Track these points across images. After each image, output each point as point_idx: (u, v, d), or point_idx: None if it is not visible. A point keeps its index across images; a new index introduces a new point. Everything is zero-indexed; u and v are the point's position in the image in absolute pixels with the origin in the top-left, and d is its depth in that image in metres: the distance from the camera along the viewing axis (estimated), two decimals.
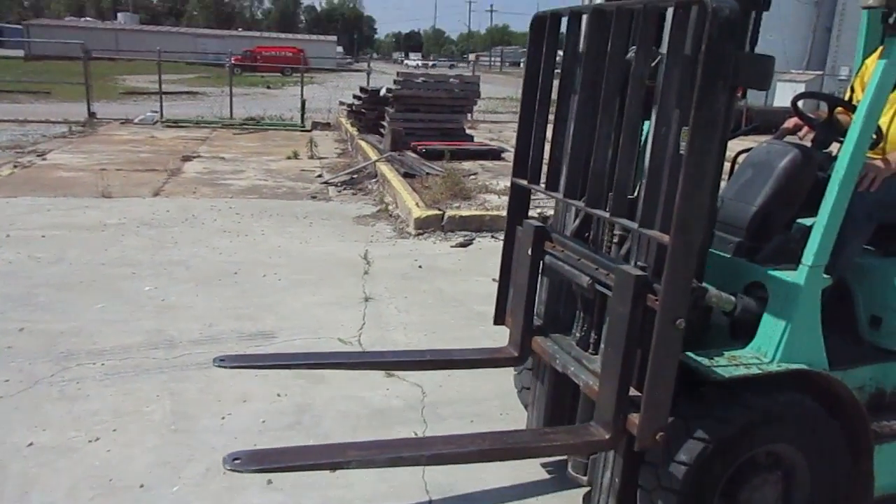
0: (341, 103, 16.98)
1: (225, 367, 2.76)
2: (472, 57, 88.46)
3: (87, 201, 7.69)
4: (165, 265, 5.62)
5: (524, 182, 2.67)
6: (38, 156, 10.59)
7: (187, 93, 24.72)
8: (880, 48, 2.22)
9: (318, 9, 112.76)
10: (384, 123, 12.04)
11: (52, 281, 5.12)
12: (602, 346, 2.34)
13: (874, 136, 2.38)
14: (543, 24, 2.52)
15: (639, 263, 2.22)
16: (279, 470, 2.28)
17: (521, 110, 2.64)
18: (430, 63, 78.82)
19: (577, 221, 2.61)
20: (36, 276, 5.23)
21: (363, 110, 13.66)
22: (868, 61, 2.89)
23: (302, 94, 17.10)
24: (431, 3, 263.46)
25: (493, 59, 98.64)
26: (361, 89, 14.52)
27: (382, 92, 13.10)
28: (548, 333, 2.72)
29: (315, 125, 16.26)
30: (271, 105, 19.87)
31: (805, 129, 2.85)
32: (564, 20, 2.47)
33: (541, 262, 2.64)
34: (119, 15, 79.66)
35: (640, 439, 2.05)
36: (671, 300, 1.92)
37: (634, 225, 2.10)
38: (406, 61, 79.66)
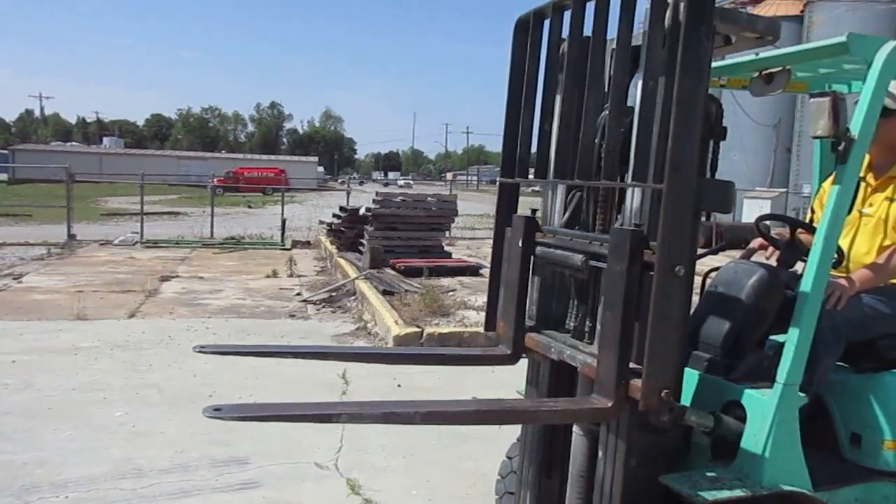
0: (321, 222, 17.28)
1: (206, 353, 2.68)
2: (449, 176, 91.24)
3: (60, 324, 7.59)
4: (138, 389, 5.49)
5: (511, 179, 2.66)
6: (13, 279, 10.52)
7: (169, 213, 25.02)
8: (834, 172, 2.34)
9: (301, 131, 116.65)
10: (363, 241, 12.21)
11: (18, 409, 4.96)
12: (599, 314, 2.27)
13: (836, 256, 2.46)
14: (526, 25, 2.60)
15: (633, 223, 2.19)
16: (268, 419, 2.26)
17: (507, 111, 2.65)
18: (410, 181, 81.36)
19: (568, 213, 2.60)
20: (2, 403, 5.07)
21: (342, 229, 13.87)
22: (825, 184, 3.03)
23: (282, 213, 17.39)
24: (410, 125, 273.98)
25: (469, 177, 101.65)
26: (341, 208, 14.81)
27: (362, 211, 13.36)
28: (541, 330, 2.65)
29: (295, 243, 16.42)
30: (252, 224, 20.12)
31: (770, 249, 2.95)
32: (546, 22, 2.55)
33: (531, 256, 2.60)
34: (105, 139, 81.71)
35: (644, 398, 1.96)
36: (669, 246, 1.91)
37: (627, 185, 2.13)
38: (399, 181, 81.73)
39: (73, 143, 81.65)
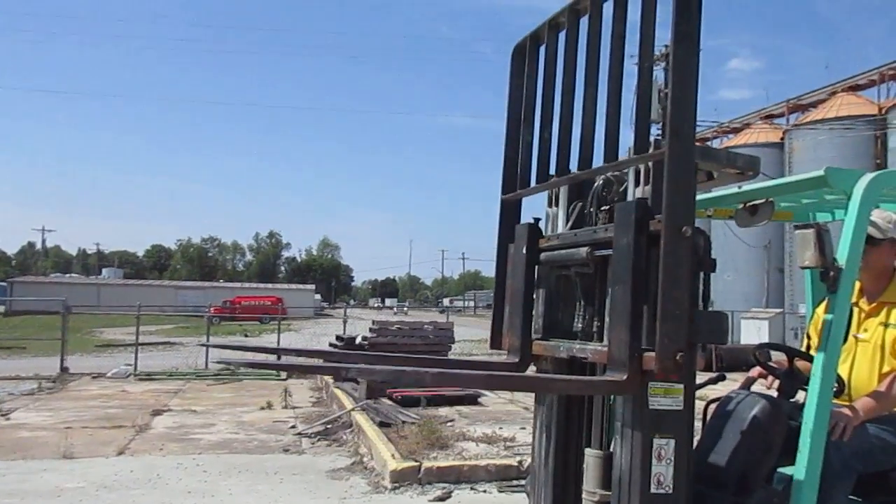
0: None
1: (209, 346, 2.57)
2: (446, 301, 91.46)
3: (45, 463, 7.32)
4: None
5: (513, 193, 2.74)
6: (1, 415, 10.27)
7: (164, 343, 24.82)
8: (826, 300, 2.36)
9: (299, 259, 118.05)
10: None
11: None
12: (608, 303, 2.27)
13: (836, 386, 2.43)
14: (523, 51, 2.74)
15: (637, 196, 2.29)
16: (286, 369, 2.08)
17: (507, 130, 2.74)
18: (405, 307, 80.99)
19: (572, 220, 2.63)
20: None
21: None
22: (818, 310, 3.03)
23: (278, 343, 17.27)
24: (406, 252, 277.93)
25: (466, 302, 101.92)
26: (337, 337, 14.73)
27: (358, 340, 13.28)
28: (548, 338, 2.62)
29: (290, 374, 16.18)
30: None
31: (770, 377, 2.91)
32: (542, 48, 2.68)
33: (536, 264, 2.61)
34: (104, 270, 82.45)
35: (659, 361, 1.97)
36: (674, 208, 1.99)
37: (630, 161, 2.20)
38: (394, 308, 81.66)
39: (73, 274, 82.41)
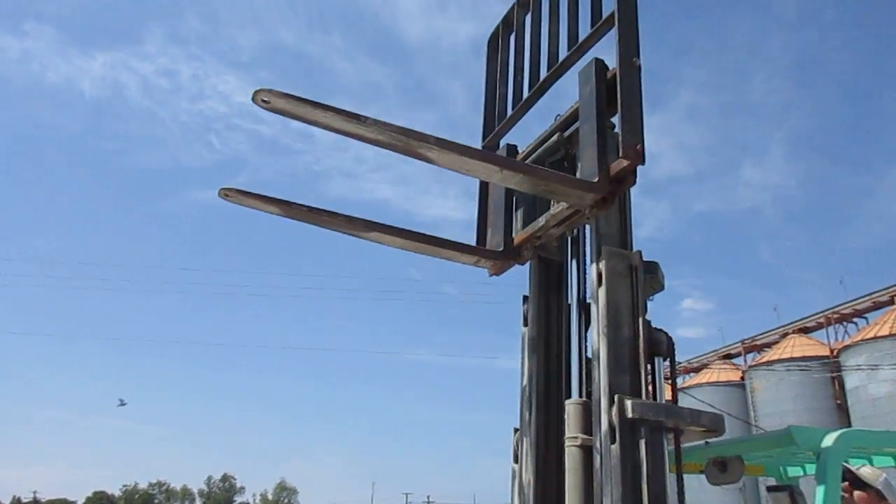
0: None
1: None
2: None
3: None
4: None
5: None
6: None
7: None
8: None
9: None
10: None
11: None
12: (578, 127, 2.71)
13: None
14: (496, 39, 3.51)
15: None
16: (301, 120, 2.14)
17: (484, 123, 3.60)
18: None
19: None
20: None
21: None
22: None
23: None
24: (368, 495, 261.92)
25: None
26: None
27: None
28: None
29: None
30: None
31: None
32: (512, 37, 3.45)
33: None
34: None
35: (623, 152, 2.37)
36: (626, 42, 2.48)
37: None
38: None
39: None
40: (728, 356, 33.07)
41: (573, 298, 2.79)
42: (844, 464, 2.68)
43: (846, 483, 2.61)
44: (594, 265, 2.40)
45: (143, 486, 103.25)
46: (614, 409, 2.15)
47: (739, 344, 32.06)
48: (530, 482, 2.50)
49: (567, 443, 2.43)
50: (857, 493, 2.57)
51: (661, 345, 2.33)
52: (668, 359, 2.32)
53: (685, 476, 3.29)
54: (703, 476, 2.75)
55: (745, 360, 30.91)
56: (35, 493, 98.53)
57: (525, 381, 2.67)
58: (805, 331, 29.36)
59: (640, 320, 2.31)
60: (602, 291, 2.32)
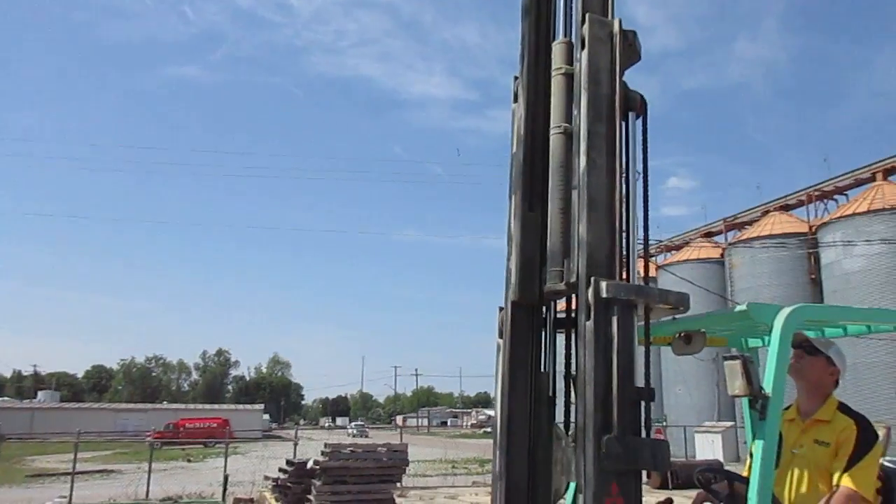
0: (266, 477, 16.46)
1: None
2: (399, 420, 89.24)
3: None
4: None
5: None
6: None
7: (101, 471, 23.52)
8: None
9: (248, 378, 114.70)
10: (310, 497, 11.63)
11: None
12: None
13: None
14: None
15: None
16: None
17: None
18: (365, 428, 72.77)
19: None
20: None
21: (289, 484, 13.22)
22: None
23: (225, 468, 16.56)
24: (359, 369, 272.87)
25: (420, 420, 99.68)
26: (287, 462, 14.22)
27: (309, 464, 12.86)
28: None
29: (237, 501, 15.45)
30: (191, 480, 18.99)
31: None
32: None
33: None
34: (39, 393, 78.47)
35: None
36: None
37: None
38: (350, 428, 73.25)
39: (5, 397, 78.10)
40: (709, 234, 33.77)
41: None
42: (803, 332, 2.94)
43: (800, 350, 2.87)
44: (579, 31, 2.68)
45: (140, 360, 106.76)
46: (590, 289, 2.38)
47: (721, 222, 32.62)
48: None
49: None
50: (808, 357, 2.86)
51: (635, 101, 2.66)
52: (641, 118, 2.62)
53: (661, 348, 3.59)
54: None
55: (726, 238, 31.58)
56: (35, 366, 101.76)
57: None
58: (786, 208, 29.84)
59: (618, 80, 2.62)
60: (584, 54, 2.61)
